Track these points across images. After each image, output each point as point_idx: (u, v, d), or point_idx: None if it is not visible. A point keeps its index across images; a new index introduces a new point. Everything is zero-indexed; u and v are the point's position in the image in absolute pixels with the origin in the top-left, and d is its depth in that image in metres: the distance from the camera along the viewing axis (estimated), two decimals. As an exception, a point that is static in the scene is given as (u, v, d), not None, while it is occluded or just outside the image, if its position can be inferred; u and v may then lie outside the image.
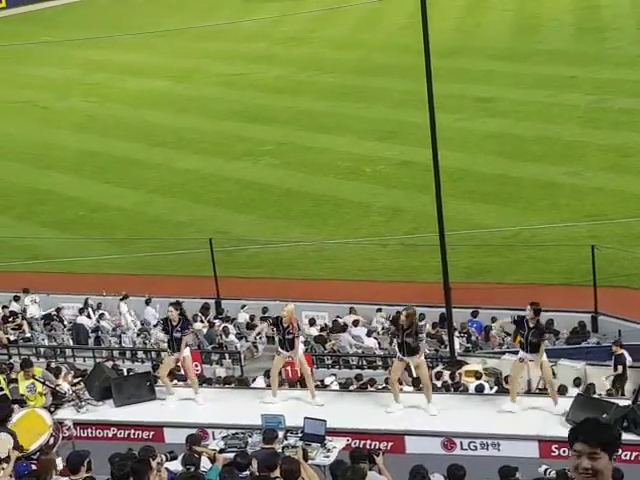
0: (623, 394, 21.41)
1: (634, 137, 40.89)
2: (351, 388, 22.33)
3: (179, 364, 19.39)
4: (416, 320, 17.63)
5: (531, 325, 16.72)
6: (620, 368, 22.94)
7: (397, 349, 17.28)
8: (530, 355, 16.81)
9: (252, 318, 30.25)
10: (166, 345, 18.52)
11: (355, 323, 28.86)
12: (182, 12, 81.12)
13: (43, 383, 18.80)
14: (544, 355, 16.88)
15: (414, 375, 23.59)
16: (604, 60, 52.86)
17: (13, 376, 20.80)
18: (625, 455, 15.25)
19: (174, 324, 18.20)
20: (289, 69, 60.58)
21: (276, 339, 18.38)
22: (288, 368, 24.18)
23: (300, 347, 18.23)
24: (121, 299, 31.20)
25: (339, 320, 29.35)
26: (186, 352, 18.44)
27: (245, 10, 78.43)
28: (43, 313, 32.19)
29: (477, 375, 22.88)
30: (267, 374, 20.25)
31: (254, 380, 23.11)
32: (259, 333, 25.84)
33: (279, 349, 18.07)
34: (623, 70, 50.35)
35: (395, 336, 17.48)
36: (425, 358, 25.08)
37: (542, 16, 65.44)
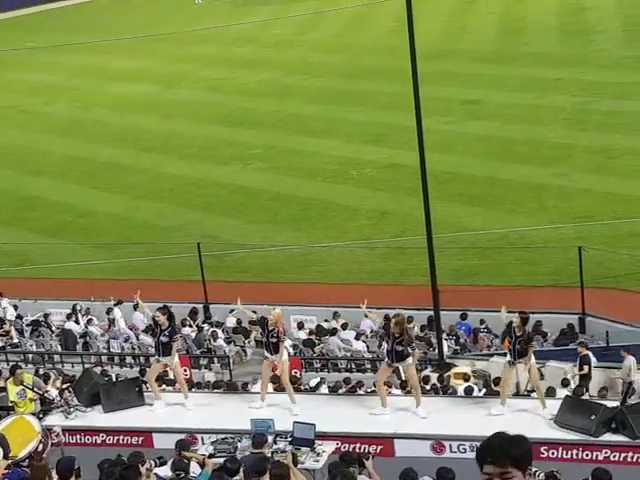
0: (587, 392, 21.63)
1: (619, 139, 41.03)
2: (340, 392, 22.34)
3: (167, 369, 19.37)
4: (407, 327, 17.62)
5: (518, 333, 16.75)
6: (586, 368, 23.21)
7: (385, 354, 17.27)
8: (518, 359, 16.85)
9: (239, 322, 30.23)
10: (153, 350, 18.43)
11: (344, 326, 28.88)
12: (169, 18, 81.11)
13: (32, 389, 18.76)
14: (532, 358, 16.92)
15: (403, 378, 23.67)
16: (589, 62, 53.02)
17: (1, 383, 20.76)
18: (614, 456, 15.31)
19: (163, 328, 18.16)
20: (276, 73, 60.62)
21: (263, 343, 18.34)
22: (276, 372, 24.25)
23: (284, 353, 18.16)
24: (115, 304, 31.11)
25: (323, 325, 29.38)
26: (174, 358, 18.41)
27: (233, 15, 78.46)
28: (31, 319, 32.13)
29: (466, 377, 22.92)
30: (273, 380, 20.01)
31: (246, 385, 23.10)
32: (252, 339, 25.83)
33: (265, 353, 18.06)
34: (608, 72, 50.51)
35: (384, 341, 17.43)
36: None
37: (527, 19, 65.62)
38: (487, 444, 5.46)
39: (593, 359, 23.68)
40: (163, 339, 18.11)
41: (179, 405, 18.33)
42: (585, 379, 23.09)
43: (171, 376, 21.52)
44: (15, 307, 32.81)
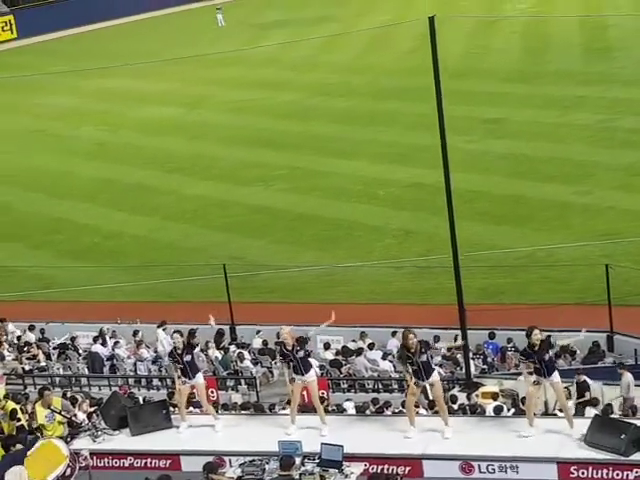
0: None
1: (644, 156, 40.88)
2: (367, 412, 22.28)
3: (194, 391, 19.29)
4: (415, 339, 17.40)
5: (537, 349, 16.61)
6: (587, 395, 23.03)
7: (414, 375, 17.07)
8: (546, 379, 16.69)
9: (265, 343, 30.24)
10: (180, 373, 18.30)
11: (370, 346, 28.85)
12: (192, 40, 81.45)
13: (59, 413, 18.80)
14: (557, 376, 16.78)
15: (430, 397, 23.58)
16: (612, 80, 52.89)
17: (28, 406, 20.81)
18: (638, 473, 15.18)
19: (179, 352, 18.09)
20: (299, 94, 60.77)
21: (290, 366, 18.08)
22: (304, 393, 24.19)
23: (312, 371, 18.01)
24: (158, 326, 31.16)
25: (349, 345, 29.35)
26: (199, 379, 18.36)
27: (254, 37, 78.75)
28: (58, 342, 32.28)
29: (494, 397, 22.83)
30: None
31: (273, 406, 23.07)
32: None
33: (293, 375, 17.93)
34: (631, 89, 50.35)
35: (409, 363, 17.18)
36: (441, 380, 25.14)
37: (549, 37, 65.53)
38: None
39: (592, 383, 23.44)
40: (187, 358, 18.03)
41: (207, 427, 18.31)
42: (583, 405, 22.78)
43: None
44: (42, 330, 32.96)
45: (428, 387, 17.91)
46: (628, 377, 23.06)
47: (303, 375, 17.64)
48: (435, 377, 17.15)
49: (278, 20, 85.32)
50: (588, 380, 23.43)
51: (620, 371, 23.41)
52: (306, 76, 65.20)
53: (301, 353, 17.58)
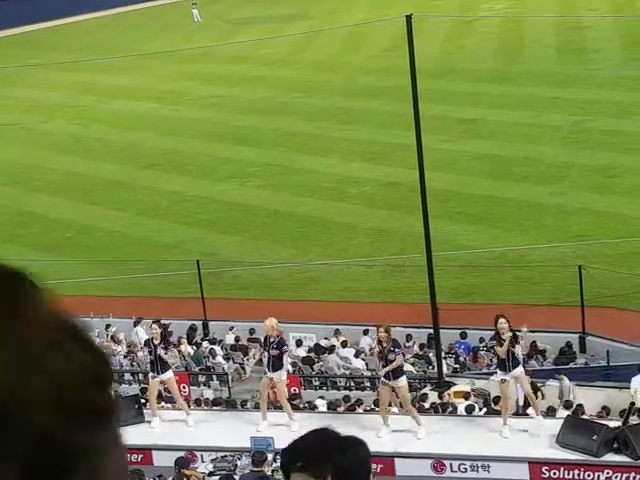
0: None
1: (618, 158, 41.07)
2: (339, 410, 22.28)
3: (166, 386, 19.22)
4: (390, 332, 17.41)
5: (504, 337, 16.71)
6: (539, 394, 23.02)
7: (382, 374, 17.07)
8: (509, 374, 16.71)
9: (237, 339, 30.22)
10: (150, 367, 18.24)
11: (344, 344, 28.85)
12: (166, 35, 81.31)
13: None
14: (521, 370, 16.83)
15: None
16: (587, 81, 53.15)
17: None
18: (616, 477, 15.28)
19: (156, 342, 18.02)
20: (274, 91, 60.72)
21: (264, 360, 18.13)
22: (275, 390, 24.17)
23: (283, 371, 17.86)
24: (135, 323, 31.10)
25: (321, 343, 29.36)
26: (169, 374, 18.28)
27: (229, 33, 78.69)
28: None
29: (466, 396, 22.87)
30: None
31: (245, 403, 23.01)
32: (251, 356, 25.71)
33: (265, 370, 17.91)
34: (606, 91, 50.64)
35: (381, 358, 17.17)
36: (413, 379, 25.20)
37: (525, 38, 65.79)
38: (301, 444, 3.63)
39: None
40: (160, 352, 17.95)
41: (179, 422, 18.28)
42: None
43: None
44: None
45: (396, 389, 17.75)
46: (566, 382, 23.22)
47: (271, 372, 17.61)
48: (402, 382, 17.10)
49: (253, 16, 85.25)
50: (566, 381, 23.43)
51: (558, 377, 23.47)
52: (281, 73, 65.16)
53: (275, 352, 17.53)
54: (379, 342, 17.08)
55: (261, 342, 18.88)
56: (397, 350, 17.23)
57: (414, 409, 17.70)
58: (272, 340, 17.50)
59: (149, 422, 18.19)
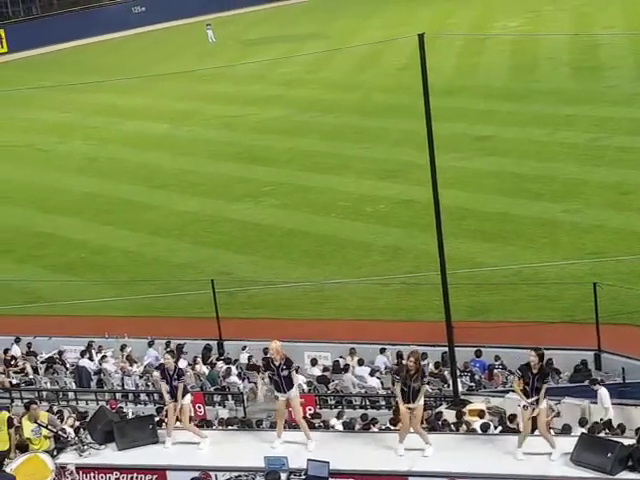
0: None
1: (633, 174, 40.98)
2: (355, 428, 22.24)
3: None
4: (421, 362, 17.43)
5: (535, 371, 16.60)
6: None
7: (400, 396, 16.96)
8: (532, 399, 16.60)
9: (249, 359, 30.19)
10: (168, 396, 18.24)
11: (360, 362, 28.81)
12: (180, 56, 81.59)
13: (46, 427, 18.71)
14: (545, 401, 16.71)
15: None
16: (602, 98, 53.07)
17: (15, 421, 20.69)
18: (632, 495, 15.18)
19: (171, 373, 18.08)
20: (288, 110, 60.85)
21: (272, 382, 17.96)
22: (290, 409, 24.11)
23: (295, 387, 17.86)
24: (149, 343, 31.17)
25: (340, 360, 29.32)
26: (186, 399, 18.27)
27: (244, 53, 78.92)
28: (46, 356, 32.17)
29: (480, 414, 22.80)
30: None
31: (260, 422, 22.96)
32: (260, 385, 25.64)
33: (276, 393, 17.84)
34: (621, 108, 50.55)
35: (400, 382, 17.05)
36: (428, 397, 25.11)
37: (539, 55, 65.77)
38: None
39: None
40: (175, 383, 18.03)
41: (193, 443, 18.23)
42: None
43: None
44: (29, 345, 32.83)
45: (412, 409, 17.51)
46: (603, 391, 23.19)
47: (285, 392, 17.58)
48: (420, 402, 17.03)
49: (268, 37, 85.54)
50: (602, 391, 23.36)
51: (595, 387, 23.49)
52: (295, 92, 65.30)
53: (285, 372, 17.49)
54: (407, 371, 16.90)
55: (261, 367, 18.64)
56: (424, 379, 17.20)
57: (422, 430, 17.52)
58: (278, 363, 17.42)
59: (163, 442, 18.17)
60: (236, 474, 16.59)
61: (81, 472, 17.18)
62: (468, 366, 28.05)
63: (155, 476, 17.53)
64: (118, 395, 29.19)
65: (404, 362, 17.09)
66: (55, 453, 17.89)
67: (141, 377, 30.06)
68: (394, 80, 62.59)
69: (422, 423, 17.94)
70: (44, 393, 29.65)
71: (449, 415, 23.29)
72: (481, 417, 22.55)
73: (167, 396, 18.18)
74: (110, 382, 30.33)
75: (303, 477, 16.09)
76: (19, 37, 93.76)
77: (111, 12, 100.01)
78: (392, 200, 42.46)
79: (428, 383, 25.87)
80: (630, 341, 28.47)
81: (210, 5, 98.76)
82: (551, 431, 18.51)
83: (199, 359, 30.07)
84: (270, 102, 63.29)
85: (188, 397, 18.34)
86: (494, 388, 26.89)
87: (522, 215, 38.58)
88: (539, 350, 16.77)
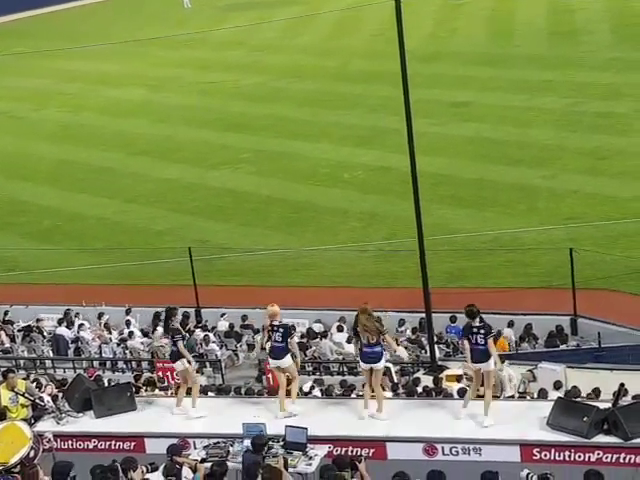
0: None
1: (609, 140, 41.10)
2: (334, 394, 22.28)
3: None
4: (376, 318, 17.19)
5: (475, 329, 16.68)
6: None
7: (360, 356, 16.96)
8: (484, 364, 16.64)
9: (232, 326, 30.19)
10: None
11: (339, 329, 28.83)
12: (157, 22, 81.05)
13: (23, 395, 18.66)
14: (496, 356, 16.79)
15: (395, 380, 23.63)
16: (578, 64, 53.10)
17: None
18: (606, 458, 15.27)
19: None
20: (266, 77, 60.58)
21: (266, 347, 17.85)
22: (269, 376, 24.18)
23: (288, 357, 17.64)
24: (127, 311, 31.16)
25: (314, 328, 29.38)
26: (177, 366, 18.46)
27: (221, 19, 78.43)
28: (23, 325, 32.06)
29: (458, 379, 22.91)
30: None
31: (238, 389, 22.99)
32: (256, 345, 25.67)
33: (268, 358, 17.77)
34: (597, 73, 50.61)
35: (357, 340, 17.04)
36: (406, 364, 25.20)
37: (516, 21, 65.68)
38: None
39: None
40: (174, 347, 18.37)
41: (170, 410, 18.25)
42: None
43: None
44: (5, 313, 32.71)
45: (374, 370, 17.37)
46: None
47: (275, 360, 17.42)
48: (380, 365, 16.97)
49: (244, 2, 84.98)
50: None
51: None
52: (272, 58, 65.01)
53: (278, 337, 17.28)
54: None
55: (254, 328, 18.67)
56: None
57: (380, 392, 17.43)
58: (276, 325, 17.30)
59: (141, 410, 18.17)
60: (214, 441, 16.60)
61: (59, 440, 17.15)
62: (443, 337, 28.03)
63: (133, 443, 17.53)
64: (96, 363, 29.17)
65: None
66: (33, 421, 17.84)
67: (118, 345, 30.02)
68: (371, 46, 62.38)
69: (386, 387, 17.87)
70: (21, 361, 29.59)
71: (427, 381, 23.38)
72: (458, 382, 22.65)
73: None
74: (87, 350, 30.29)
75: (281, 443, 16.13)
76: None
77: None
78: (369, 167, 42.42)
79: (406, 348, 26.03)
80: (606, 306, 28.64)
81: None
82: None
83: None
84: (246, 68, 62.99)
85: (178, 362, 18.47)
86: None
87: (499, 181, 38.64)
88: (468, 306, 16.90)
